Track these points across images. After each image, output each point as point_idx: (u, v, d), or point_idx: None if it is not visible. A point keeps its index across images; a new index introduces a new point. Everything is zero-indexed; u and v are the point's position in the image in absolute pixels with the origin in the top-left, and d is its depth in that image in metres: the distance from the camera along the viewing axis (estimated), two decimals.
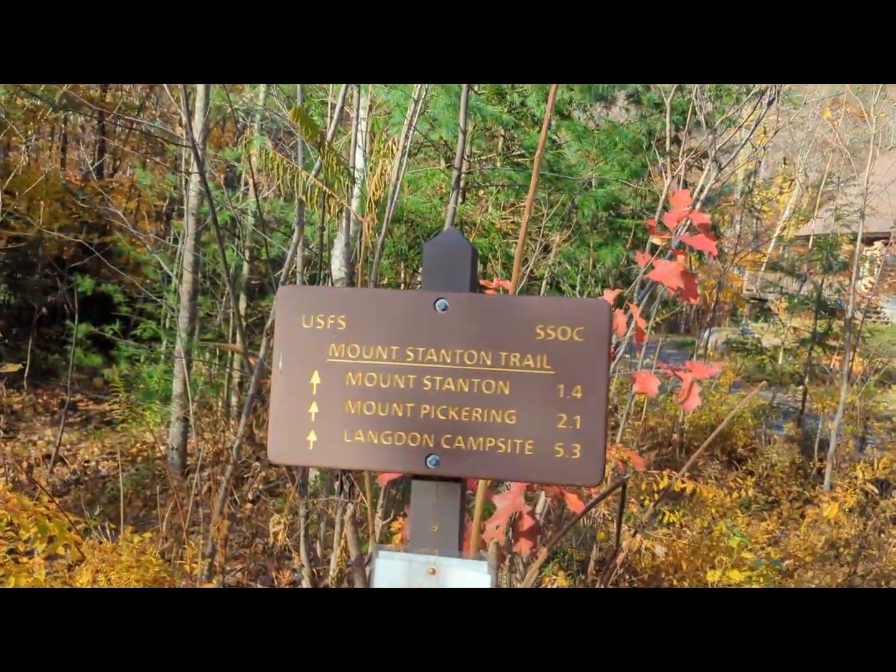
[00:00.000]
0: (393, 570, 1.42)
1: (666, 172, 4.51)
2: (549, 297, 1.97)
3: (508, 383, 1.36)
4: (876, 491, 6.11)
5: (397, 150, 3.14)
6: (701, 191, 4.36)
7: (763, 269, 19.62)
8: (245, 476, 5.21)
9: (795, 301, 10.65)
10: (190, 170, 5.42)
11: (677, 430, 8.26)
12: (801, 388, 9.89)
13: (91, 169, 11.13)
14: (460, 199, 6.24)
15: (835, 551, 5.49)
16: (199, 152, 4.89)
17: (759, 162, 20.28)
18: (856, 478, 5.99)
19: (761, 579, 3.77)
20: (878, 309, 19.45)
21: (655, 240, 2.92)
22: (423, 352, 1.38)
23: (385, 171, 2.22)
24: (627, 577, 4.43)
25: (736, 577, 3.81)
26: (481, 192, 7.67)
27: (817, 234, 12.00)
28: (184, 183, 6.56)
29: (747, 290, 20.67)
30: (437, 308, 1.38)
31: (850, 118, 18.96)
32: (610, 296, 3.04)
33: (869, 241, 10.75)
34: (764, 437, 8.68)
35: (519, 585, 3.12)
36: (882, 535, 6.00)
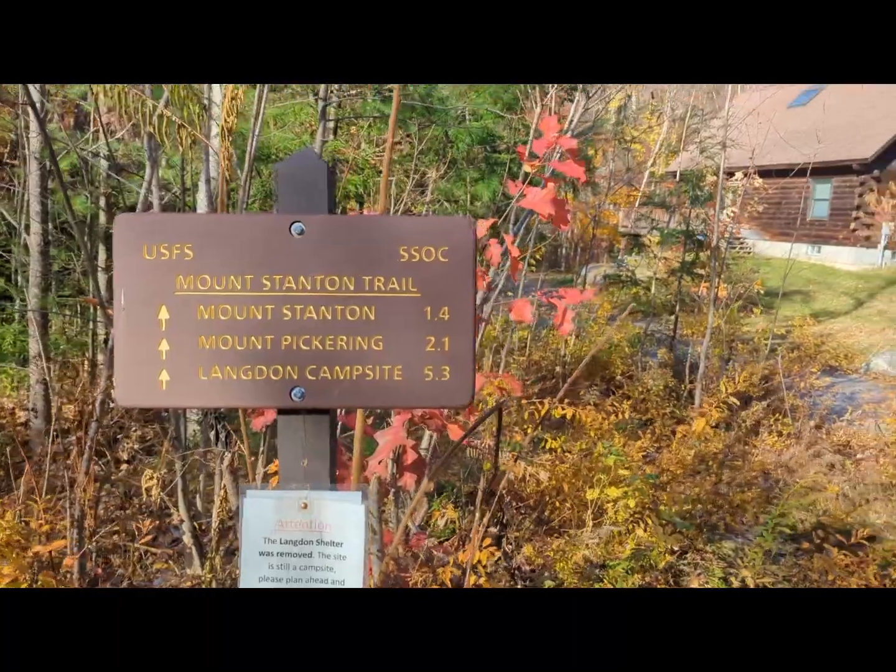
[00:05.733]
0: (262, 508, 1.36)
1: (537, 102, 4.51)
2: (410, 216, 1.91)
3: (374, 308, 1.31)
4: (738, 403, 6.57)
5: None
6: (571, 122, 4.40)
7: (637, 204, 20.38)
8: (118, 437, 4.94)
9: (666, 234, 11.12)
10: (23, 103, 4.92)
11: (560, 363, 8.53)
12: (672, 316, 10.42)
13: None
14: (331, 136, 6.02)
15: (704, 464, 5.88)
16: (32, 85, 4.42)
17: (629, 96, 20.84)
18: (721, 392, 6.41)
19: (637, 493, 3.98)
20: (741, 239, 20.74)
21: (526, 167, 2.93)
22: (280, 280, 1.30)
23: (237, 96, 2.06)
24: (515, 503, 4.58)
25: (613, 494, 4.01)
26: (353, 129, 7.44)
27: (684, 168, 12.52)
28: (24, 124, 5.97)
29: (623, 226, 21.43)
30: (292, 232, 1.30)
31: None
32: (484, 225, 3.03)
33: (730, 173, 11.31)
34: (640, 364, 9.11)
35: (404, 517, 3.14)
36: (746, 447, 6.49)
